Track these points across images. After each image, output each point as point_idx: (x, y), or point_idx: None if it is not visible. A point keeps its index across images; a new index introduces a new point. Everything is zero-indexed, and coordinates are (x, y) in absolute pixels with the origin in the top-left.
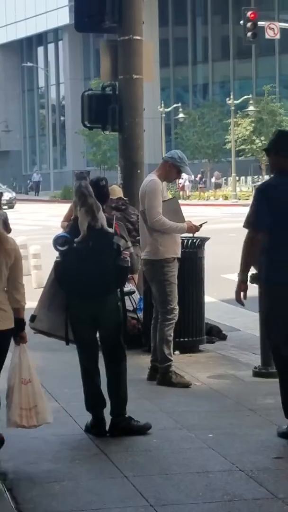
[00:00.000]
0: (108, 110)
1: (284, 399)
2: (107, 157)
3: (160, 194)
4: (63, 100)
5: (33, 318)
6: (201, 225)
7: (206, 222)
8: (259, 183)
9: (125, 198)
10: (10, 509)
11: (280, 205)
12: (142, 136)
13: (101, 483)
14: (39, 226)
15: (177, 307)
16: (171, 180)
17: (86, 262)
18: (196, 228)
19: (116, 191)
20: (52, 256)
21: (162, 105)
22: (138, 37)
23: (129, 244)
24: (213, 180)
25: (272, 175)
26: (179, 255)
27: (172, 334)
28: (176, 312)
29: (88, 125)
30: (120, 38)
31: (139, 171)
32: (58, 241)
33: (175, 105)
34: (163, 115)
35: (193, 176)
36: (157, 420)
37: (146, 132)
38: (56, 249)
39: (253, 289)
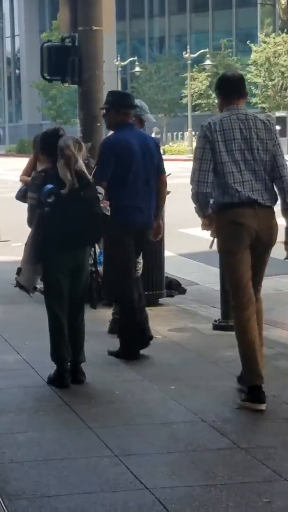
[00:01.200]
0: (67, 62)
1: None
2: (63, 111)
3: None
4: (18, 53)
5: (19, 270)
6: None
7: (170, 174)
8: None
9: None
10: None
11: (125, 157)
12: (102, 89)
13: (65, 433)
14: None
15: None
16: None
17: (78, 211)
18: None
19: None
20: (10, 209)
21: (118, 58)
22: None
23: None
24: (153, 135)
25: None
26: None
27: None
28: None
29: (48, 77)
30: None
31: (98, 124)
32: (46, 194)
33: (131, 59)
34: (119, 68)
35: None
36: (119, 372)
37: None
38: (45, 202)
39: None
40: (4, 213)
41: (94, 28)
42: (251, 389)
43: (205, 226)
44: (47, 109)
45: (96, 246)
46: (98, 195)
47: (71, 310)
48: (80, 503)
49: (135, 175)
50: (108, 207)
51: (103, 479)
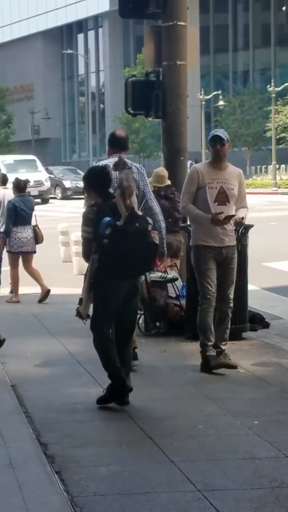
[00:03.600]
0: (151, 96)
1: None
2: (146, 144)
3: (192, 181)
4: (102, 88)
5: (80, 301)
6: (228, 219)
7: (235, 215)
8: None
9: (173, 187)
10: (59, 491)
11: None
12: (186, 123)
13: (148, 467)
14: (78, 213)
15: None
16: (218, 158)
17: (134, 242)
18: (222, 222)
19: (165, 178)
20: None
21: (202, 92)
22: (182, 23)
23: None
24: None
25: None
26: (210, 244)
27: (202, 320)
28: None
29: (132, 111)
30: (165, 24)
31: (182, 158)
32: (103, 225)
33: (215, 93)
34: (203, 102)
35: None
36: (202, 406)
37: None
38: (102, 234)
39: None
40: None
41: (179, 62)
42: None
43: None
44: (130, 142)
45: (179, 279)
46: (149, 225)
47: (121, 338)
48: None
49: None
50: (157, 237)
51: None
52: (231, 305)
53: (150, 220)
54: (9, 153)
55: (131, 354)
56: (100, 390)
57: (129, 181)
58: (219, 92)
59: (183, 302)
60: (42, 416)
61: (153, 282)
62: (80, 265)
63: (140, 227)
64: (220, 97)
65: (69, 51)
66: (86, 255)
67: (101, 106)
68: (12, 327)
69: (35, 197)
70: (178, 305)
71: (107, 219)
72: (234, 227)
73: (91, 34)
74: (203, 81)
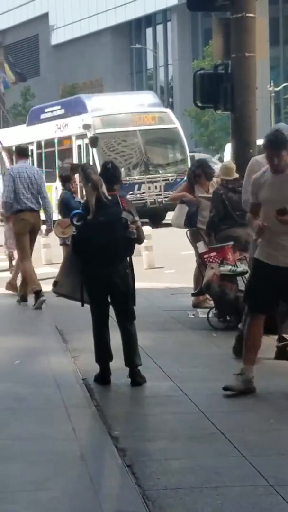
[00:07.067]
0: (220, 89)
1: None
2: (215, 137)
3: (252, 173)
4: (171, 81)
5: (55, 283)
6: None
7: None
8: None
9: (241, 180)
10: (130, 485)
11: None
12: (255, 115)
13: (219, 461)
14: None
15: None
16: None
17: (98, 234)
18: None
19: (233, 171)
20: (162, 236)
21: (272, 84)
22: (251, 14)
23: (137, 218)
24: None
25: None
26: None
27: None
28: None
29: (200, 104)
30: (233, 15)
31: (251, 150)
32: (74, 218)
33: (285, 84)
34: (273, 94)
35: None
36: (274, 401)
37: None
38: (73, 224)
39: None
40: (157, 240)
41: (247, 54)
42: None
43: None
44: (199, 136)
45: (249, 272)
46: (126, 220)
47: (118, 318)
48: None
49: None
50: (134, 231)
51: (258, 509)
52: None
53: (125, 214)
54: None
55: (133, 335)
56: (171, 384)
57: (97, 174)
58: None
59: None
60: (113, 409)
61: (223, 276)
62: (149, 259)
63: (107, 220)
64: None
65: (138, 46)
66: None
67: (170, 99)
68: (82, 321)
69: None
70: None
71: (75, 211)
72: None
73: (159, 28)
74: (273, 72)
